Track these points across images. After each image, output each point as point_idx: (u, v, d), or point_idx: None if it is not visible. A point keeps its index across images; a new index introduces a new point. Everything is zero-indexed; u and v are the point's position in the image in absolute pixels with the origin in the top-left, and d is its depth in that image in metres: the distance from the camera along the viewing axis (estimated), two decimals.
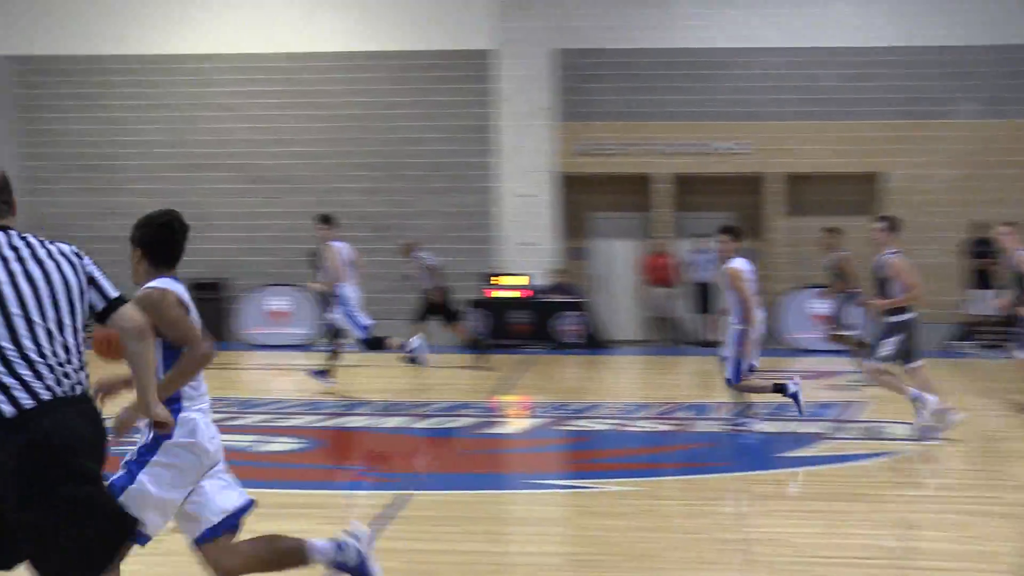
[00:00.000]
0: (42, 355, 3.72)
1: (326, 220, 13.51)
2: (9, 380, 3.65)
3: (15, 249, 3.83)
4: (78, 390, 3.81)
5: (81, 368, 3.86)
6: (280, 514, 7.30)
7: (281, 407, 12.38)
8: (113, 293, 3.98)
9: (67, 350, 3.80)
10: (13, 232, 3.87)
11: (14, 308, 3.72)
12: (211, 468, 4.58)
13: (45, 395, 3.67)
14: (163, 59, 20.37)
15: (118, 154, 20.44)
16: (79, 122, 20.50)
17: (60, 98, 20.56)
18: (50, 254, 3.87)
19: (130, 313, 4.00)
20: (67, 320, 3.83)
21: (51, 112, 20.61)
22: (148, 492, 4.39)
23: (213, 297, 19.79)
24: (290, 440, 10.29)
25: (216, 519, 4.57)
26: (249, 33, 20.23)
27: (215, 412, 4.72)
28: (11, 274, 3.77)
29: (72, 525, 3.68)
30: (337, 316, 13.30)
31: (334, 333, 13.53)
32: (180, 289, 4.61)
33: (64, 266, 3.88)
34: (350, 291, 13.25)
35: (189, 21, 20.33)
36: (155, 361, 4.26)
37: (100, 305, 3.95)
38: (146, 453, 4.46)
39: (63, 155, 20.60)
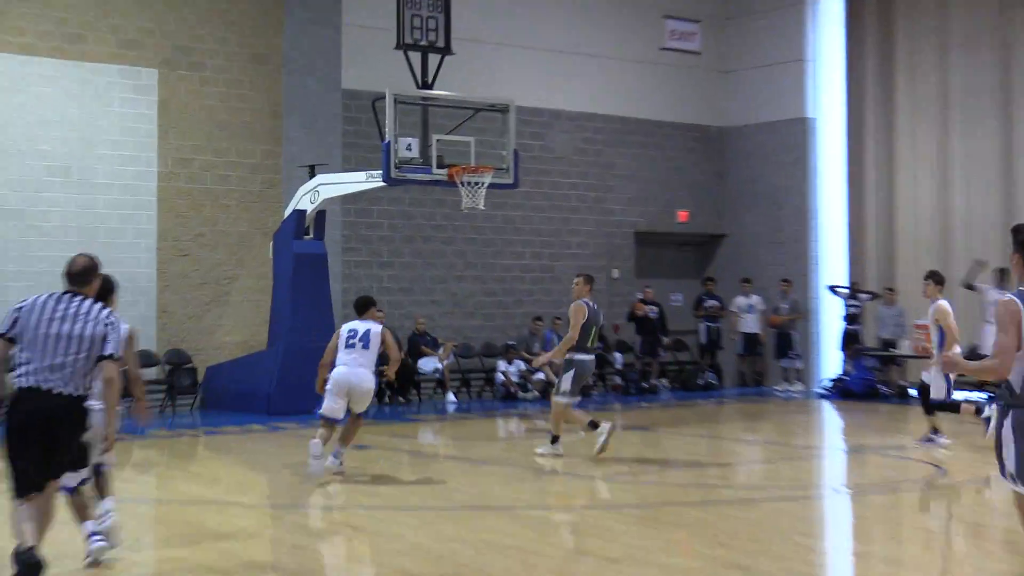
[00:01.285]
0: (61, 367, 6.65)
1: None
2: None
3: (65, 308, 6.70)
4: (74, 393, 6.69)
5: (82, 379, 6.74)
6: None
7: None
8: (108, 351, 6.74)
9: (73, 369, 6.67)
10: (77, 298, 6.76)
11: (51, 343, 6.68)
12: None
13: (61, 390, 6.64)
14: None
15: None
16: None
17: None
18: (88, 314, 6.70)
19: (109, 366, 6.80)
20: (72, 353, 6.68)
21: None
22: None
23: None
24: None
25: None
26: None
27: None
28: (51, 322, 6.67)
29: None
30: None
31: None
32: None
33: (89, 323, 6.70)
34: None
35: None
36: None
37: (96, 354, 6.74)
38: None
39: None
